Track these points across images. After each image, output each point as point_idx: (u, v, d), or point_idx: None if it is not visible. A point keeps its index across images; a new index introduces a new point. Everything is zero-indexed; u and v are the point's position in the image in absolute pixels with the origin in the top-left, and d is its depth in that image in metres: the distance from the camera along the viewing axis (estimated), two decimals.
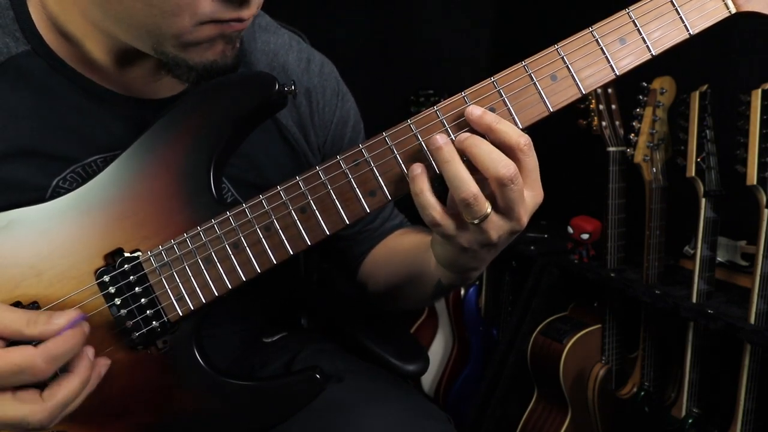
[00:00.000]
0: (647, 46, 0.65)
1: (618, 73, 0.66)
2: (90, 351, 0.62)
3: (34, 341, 0.59)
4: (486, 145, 0.61)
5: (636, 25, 0.65)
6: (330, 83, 0.87)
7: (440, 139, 0.62)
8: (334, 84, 0.88)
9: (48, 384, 0.60)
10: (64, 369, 0.60)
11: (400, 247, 0.88)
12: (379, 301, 0.93)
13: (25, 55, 0.70)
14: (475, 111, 0.62)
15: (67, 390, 0.59)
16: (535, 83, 0.65)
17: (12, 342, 0.59)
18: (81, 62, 0.71)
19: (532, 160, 0.62)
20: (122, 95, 0.73)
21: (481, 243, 0.64)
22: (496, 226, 0.62)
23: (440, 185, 0.64)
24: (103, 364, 0.65)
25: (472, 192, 0.60)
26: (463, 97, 0.65)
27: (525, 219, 0.63)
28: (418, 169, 0.63)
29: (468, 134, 0.62)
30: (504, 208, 0.61)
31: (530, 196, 0.62)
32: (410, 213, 0.97)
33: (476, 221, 0.61)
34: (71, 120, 0.71)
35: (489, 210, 0.61)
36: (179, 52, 0.65)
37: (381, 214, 0.93)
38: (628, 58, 0.65)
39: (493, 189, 0.61)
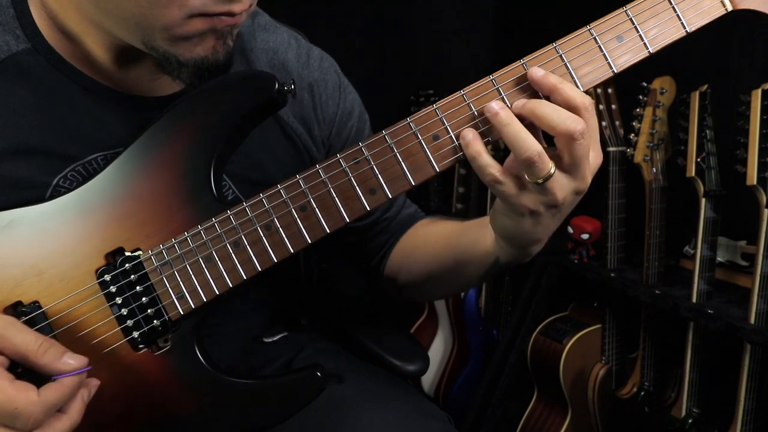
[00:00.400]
0: (644, 44, 0.66)
1: (616, 71, 0.66)
2: (85, 393, 0.62)
3: (37, 371, 0.60)
4: (549, 104, 0.62)
5: (633, 23, 0.66)
6: (331, 76, 0.87)
7: (495, 105, 0.63)
8: (334, 77, 0.88)
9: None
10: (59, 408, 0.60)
11: (439, 234, 0.86)
12: (415, 292, 0.91)
13: (25, 53, 0.70)
14: (537, 71, 0.63)
15: (59, 431, 0.60)
16: None
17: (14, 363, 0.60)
18: (81, 60, 0.71)
19: (594, 120, 0.62)
20: (123, 93, 0.74)
21: (546, 204, 0.64)
22: (561, 185, 0.63)
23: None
24: (93, 385, 0.65)
25: (536, 150, 0.60)
26: (462, 95, 0.65)
27: (589, 178, 0.64)
28: (470, 134, 0.64)
29: (525, 99, 0.63)
30: (570, 165, 0.62)
31: (593, 156, 0.64)
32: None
33: (540, 180, 0.61)
34: (72, 118, 0.71)
35: (553, 169, 0.61)
36: (169, 46, 0.64)
37: (396, 203, 0.92)
38: (625, 55, 0.66)
39: (561, 147, 0.62)
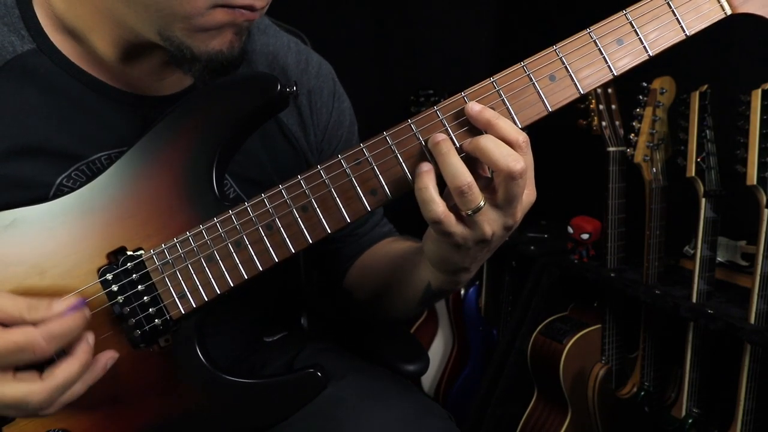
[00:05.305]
0: (644, 47, 0.66)
1: (616, 74, 0.66)
2: (90, 336, 0.63)
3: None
4: (494, 140, 0.62)
5: (633, 26, 0.66)
6: (327, 84, 0.88)
7: (439, 135, 0.64)
8: (331, 85, 0.89)
9: (48, 366, 0.60)
10: (64, 352, 0.61)
11: (391, 253, 0.88)
12: (366, 309, 0.93)
13: (30, 54, 0.71)
14: (474, 107, 0.64)
15: (67, 372, 0.60)
16: (534, 83, 0.65)
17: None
18: (86, 60, 0.72)
19: (529, 159, 0.63)
20: (127, 92, 0.74)
21: (475, 239, 0.64)
22: (490, 220, 0.63)
23: (440, 184, 0.64)
24: (110, 356, 0.65)
25: (466, 180, 0.61)
26: (463, 97, 0.66)
27: (520, 215, 0.65)
28: (425, 166, 0.64)
29: (475, 137, 0.63)
30: (504, 201, 0.63)
31: (526, 194, 0.64)
32: (401, 221, 0.98)
33: (470, 212, 0.62)
34: (76, 117, 0.72)
35: (482, 203, 0.62)
36: (186, 37, 0.65)
37: (371, 219, 0.94)
38: (625, 58, 0.66)
39: (498, 183, 0.62)
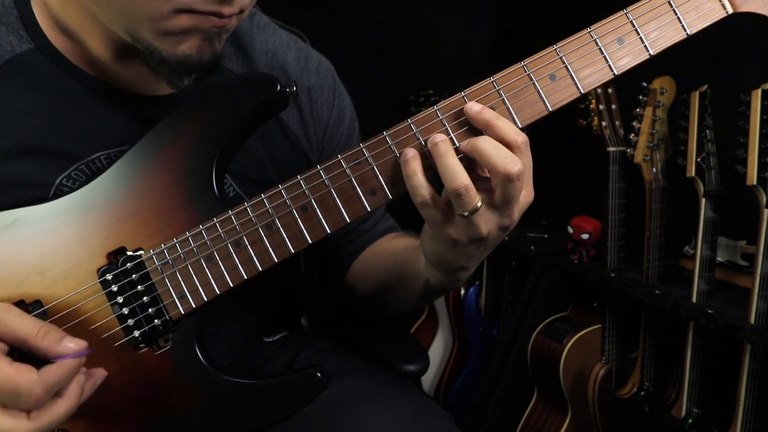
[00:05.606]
0: (645, 46, 0.66)
1: (616, 73, 0.66)
2: (81, 377, 0.62)
3: (37, 354, 0.60)
4: (492, 142, 0.62)
5: (634, 26, 0.66)
6: (327, 81, 0.88)
7: (438, 136, 0.64)
8: (331, 82, 0.89)
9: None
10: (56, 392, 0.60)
11: (392, 249, 0.88)
12: (368, 304, 0.93)
13: (28, 53, 0.71)
14: (474, 107, 0.63)
15: (54, 414, 0.59)
16: (534, 83, 0.65)
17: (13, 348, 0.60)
18: (83, 59, 0.72)
19: (528, 159, 0.63)
20: (125, 91, 0.74)
21: (470, 237, 0.64)
22: (486, 220, 0.63)
23: (440, 185, 0.64)
24: (100, 375, 0.65)
25: (463, 182, 0.61)
26: (463, 96, 0.65)
27: (517, 216, 0.65)
28: (410, 152, 0.64)
29: (472, 138, 0.63)
30: (501, 203, 0.63)
31: (523, 194, 0.64)
32: (404, 217, 0.98)
33: (466, 214, 0.62)
34: (74, 117, 0.72)
35: (479, 204, 0.62)
36: (154, 39, 0.64)
37: (374, 215, 0.94)
38: (626, 58, 0.66)
39: (496, 184, 0.62)
